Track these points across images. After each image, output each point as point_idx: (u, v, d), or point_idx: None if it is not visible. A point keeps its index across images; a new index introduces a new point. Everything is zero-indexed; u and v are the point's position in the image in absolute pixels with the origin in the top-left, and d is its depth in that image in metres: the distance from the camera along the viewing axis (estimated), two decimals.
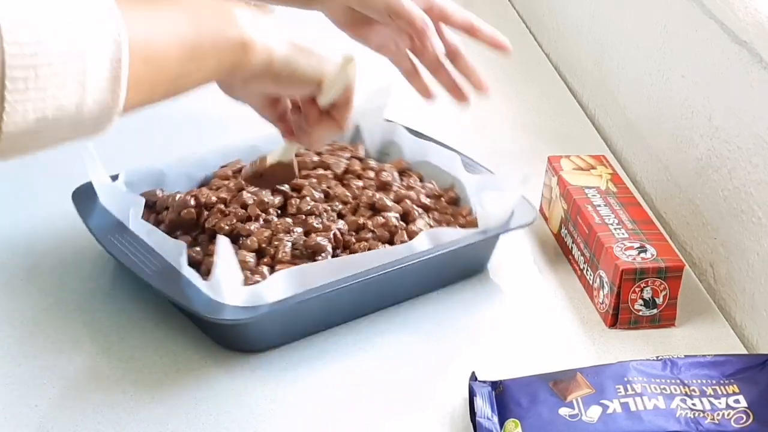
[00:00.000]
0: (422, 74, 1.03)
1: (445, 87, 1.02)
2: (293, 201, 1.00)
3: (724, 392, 0.85)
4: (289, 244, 0.95)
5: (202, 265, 0.94)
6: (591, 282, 1.03)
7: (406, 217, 1.01)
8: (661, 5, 1.20)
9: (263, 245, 0.96)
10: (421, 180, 1.08)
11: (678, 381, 0.85)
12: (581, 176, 1.11)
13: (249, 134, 1.09)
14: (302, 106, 0.86)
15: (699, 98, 1.11)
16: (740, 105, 1.03)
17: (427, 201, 1.03)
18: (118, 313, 0.97)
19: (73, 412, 0.86)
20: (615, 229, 1.02)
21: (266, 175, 0.96)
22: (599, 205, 1.06)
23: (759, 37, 0.97)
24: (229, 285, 0.87)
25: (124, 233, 0.96)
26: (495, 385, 0.86)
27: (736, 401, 0.84)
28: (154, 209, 1.01)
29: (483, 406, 0.84)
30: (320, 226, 0.97)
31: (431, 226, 0.99)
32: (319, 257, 0.94)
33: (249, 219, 0.98)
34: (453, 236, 0.98)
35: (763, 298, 0.99)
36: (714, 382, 0.86)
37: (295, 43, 0.79)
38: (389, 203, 1.01)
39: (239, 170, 1.04)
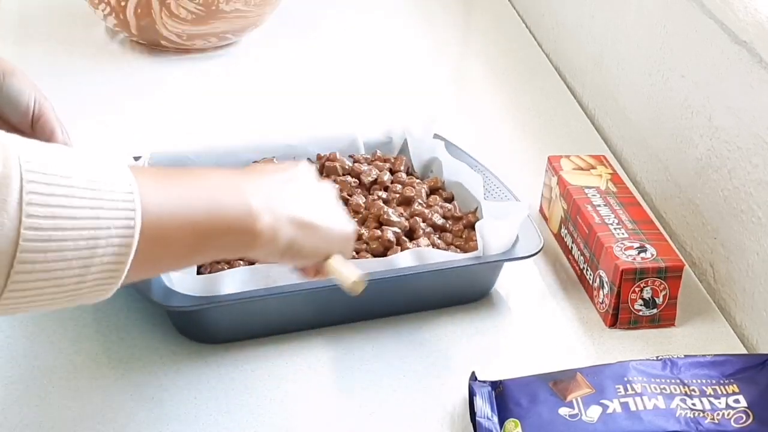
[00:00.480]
0: None
1: None
2: None
3: (724, 392, 0.85)
4: None
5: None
6: (591, 282, 1.03)
7: (411, 234, 1.00)
8: (661, 5, 1.20)
9: None
10: (451, 200, 1.06)
11: (678, 381, 0.85)
12: (581, 176, 1.11)
13: (287, 133, 1.12)
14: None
15: (699, 98, 1.11)
16: (740, 105, 1.03)
17: (440, 221, 1.01)
18: (118, 313, 0.97)
19: (73, 412, 0.86)
20: (615, 228, 1.02)
21: None
22: (599, 205, 1.06)
23: (759, 37, 0.97)
24: (181, 274, 0.88)
25: None
26: (495, 385, 0.86)
27: (736, 401, 0.84)
28: None
29: (483, 406, 0.84)
30: None
31: (436, 246, 0.98)
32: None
33: None
34: (440, 258, 0.95)
35: (763, 298, 0.99)
36: (714, 382, 0.86)
37: (300, 219, 0.75)
38: (395, 218, 0.99)
39: None
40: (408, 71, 1.50)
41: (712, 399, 0.84)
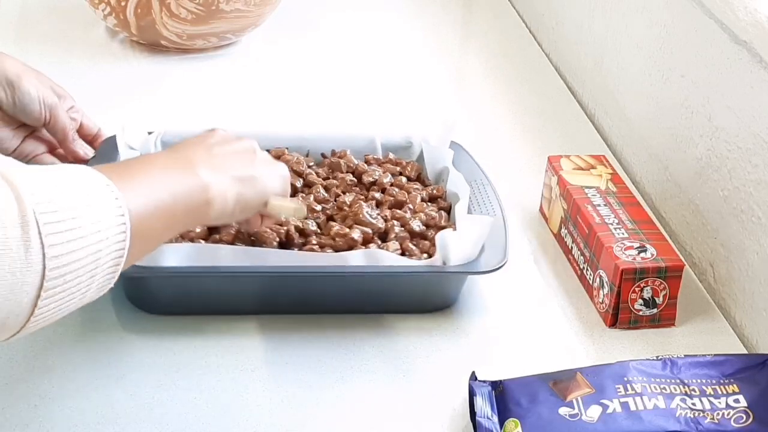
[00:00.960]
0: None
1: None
2: (298, 196, 1.02)
3: (724, 392, 0.85)
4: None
5: None
6: (591, 282, 1.03)
7: (384, 236, 0.99)
8: (661, 5, 1.20)
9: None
10: (449, 210, 1.04)
11: (678, 381, 0.85)
12: (581, 176, 1.11)
13: (302, 126, 1.13)
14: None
15: (699, 98, 1.11)
16: (740, 105, 1.03)
17: (419, 228, 0.99)
18: (118, 313, 0.97)
19: (73, 412, 0.86)
20: (615, 228, 1.02)
21: None
22: (599, 205, 1.06)
23: (759, 37, 0.97)
24: None
25: None
26: (495, 385, 0.86)
27: (736, 401, 0.84)
28: None
29: (483, 406, 0.84)
30: (298, 223, 0.98)
31: (408, 252, 0.96)
32: (261, 247, 0.95)
33: None
34: (390, 261, 0.93)
35: (763, 298, 0.99)
36: (714, 381, 0.86)
37: (243, 175, 0.85)
38: (370, 219, 0.98)
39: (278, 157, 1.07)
40: (408, 71, 1.50)
41: (712, 399, 0.84)
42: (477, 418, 0.83)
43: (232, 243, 0.95)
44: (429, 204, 1.04)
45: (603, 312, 1.00)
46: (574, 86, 1.47)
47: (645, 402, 0.83)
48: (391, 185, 1.05)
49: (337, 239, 0.96)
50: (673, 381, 0.85)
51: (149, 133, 1.08)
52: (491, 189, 1.05)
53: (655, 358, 0.89)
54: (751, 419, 0.82)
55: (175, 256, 0.91)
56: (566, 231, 1.09)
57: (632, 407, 0.82)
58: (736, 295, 1.04)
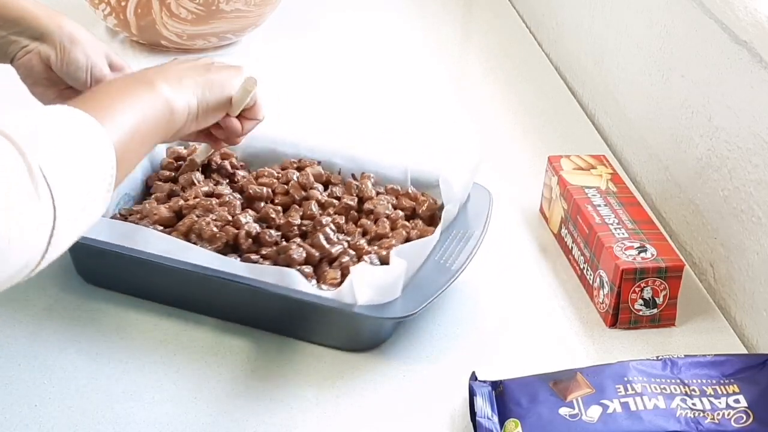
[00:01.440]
0: None
1: None
2: (292, 209, 1.02)
3: (724, 392, 0.85)
4: (210, 221, 0.97)
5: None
6: (591, 282, 1.03)
7: (332, 260, 0.97)
8: (661, 5, 1.20)
9: (185, 211, 1.00)
10: None
11: (678, 381, 0.85)
12: (581, 176, 1.11)
13: (339, 143, 1.12)
14: (222, 123, 0.96)
15: (699, 98, 1.11)
16: (740, 105, 1.03)
17: (377, 262, 0.96)
18: (118, 313, 0.97)
19: (73, 412, 0.86)
20: (615, 228, 1.02)
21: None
22: (599, 205, 1.06)
23: (759, 37, 0.97)
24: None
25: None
26: (495, 385, 0.86)
27: (736, 401, 0.84)
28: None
29: (483, 406, 0.84)
30: (253, 229, 0.97)
31: (337, 280, 0.93)
32: (208, 246, 0.96)
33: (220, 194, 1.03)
34: (300, 285, 0.91)
35: (763, 298, 0.99)
36: (714, 381, 0.86)
37: (202, 81, 0.91)
38: (323, 243, 0.96)
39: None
40: (408, 71, 1.50)
41: (712, 399, 0.84)
42: (477, 418, 0.83)
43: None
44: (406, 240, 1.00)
45: (603, 312, 1.00)
46: (574, 86, 1.47)
47: (645, 402, 0.83)
48: (387, 218, 1.01)
49: (280, 252, 0.96)
50: (673, 381, 0.85)
51: None
52: (476, 240, 0.99)
53: (655, 358, 0.89)
54: (751, 419, 0.82)
55: (110, 231, 0.94)
56: (566, 231, 1.09)
57: (632, 407, 0.82)
58: (736, 295, 1.04)
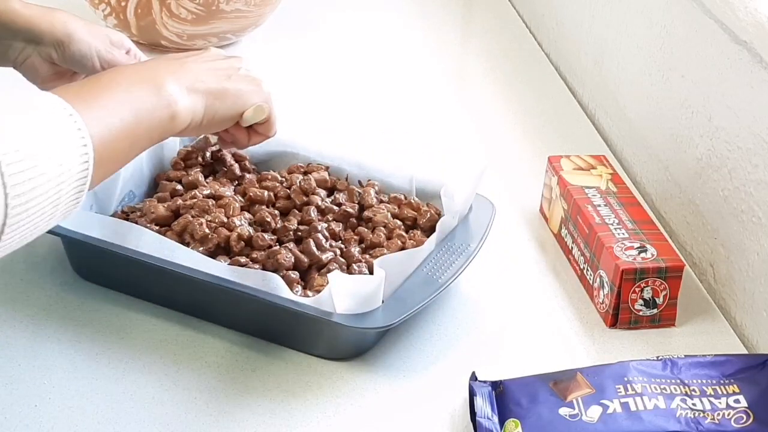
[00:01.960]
0: None
1: None
2: (293, 212, 1.02)
3: (724, 392, 0.85)
4: (204, 222, 0.97)
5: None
6: (591, 282, 1.03)
7: (321, 267, 0.96)
8: (661, 5, 1.20)
9: (182, 211, 1.00)
10: None
11: (678, 381, 0.85)
12: (581, 176, 1.11)
13: (348, 150, 1.11)
14: (230, 131, 0.94)
15: (699, 98, 1.11)
16: (740, 105, 1.03)
17: (362, 271, 0.96)
18: (118, 313, 0.97)
19: (73, 412, 0.86)
20: (615, 229, 1.02)
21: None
22: (599, 205, 1.06)
23: (759, 37, 0.97)
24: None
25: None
26: (495, 385, 0.86)
27: (736, 401, 0.84)
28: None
29: (483, 406, 0.84)
30: (245, 232, 0.97)
31: (320, 286, 0.93)
32: (200, 247, 0.96)
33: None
34: (282, 291, 0.90)
35: (763, 298, 0.99)
36: (714, 382, 0.86)
37: (212, 89, 0.87)
38: (313, 249, 0.96)
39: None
40: (408, 71, 1.50)
41: (712, 399, 0.84)
42: (477, 418, 0.83)
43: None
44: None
45: (603, 312, 1.00)
46: (574, 86, 1.47)
47: (645, 402, 0.83)
48: (384, 227, 1.01)
49: (269, 258, 0.95)
50: (673, 381, 0.85)
51: None
52: (469, 255, 0.98)
53: (655, 358, 0.89)
54: (751, 419, 0.82)
55: (104, 228, 0.95)
56: (566, 231, 1.09)
57: (632, 407, 0.82)
58: (736, 295, 1.04)
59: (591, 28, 1.42)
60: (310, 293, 0.92)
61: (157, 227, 0.99)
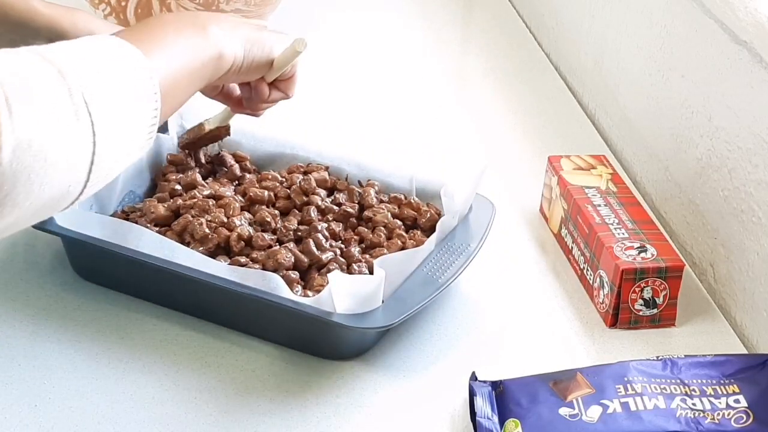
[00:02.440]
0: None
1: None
2: (293, 210, 1.02)
3: (724, 392, 0.85)
4: (204, 222, 0.97)
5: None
6: (591, 282, 1.03)
7: (321, 267, 0.96)
8: (661, 5, 1.20)
9: (182, 211, 1.00)
10: None
11: (678, 381, 0.85)
12: (581, 176, 1.11)
13: (348, 150, 1.11)
14: (252, 84, 0.97)
15: (699, 98, 1.11)
16: (740, 105, 1.03)
17: (362, 271, 0.96)
18: (118, 313, 0.97)
19: (73, 412, 0.86)
20: (615, 228, 1.02)
21: (204, 139, 1.08)
22: (599, 205, 1.06)
23: (759, 37, 0.97)
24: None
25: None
26: (495, 385, 0.86)
27: (736, 401, 0.84)
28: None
29: (483, 406, 0.84)
30: (245, 232, 0.97)
31: (319, 286, 0.93)
32: (200, 247, 0.96)
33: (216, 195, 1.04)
34: (282, 291, 0.90)
35: (763, 298, 0.99)
36: (714, 382, 0.86)
37: (251, 37, 0.91)
38: (313, 249, 0.96)
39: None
40: (408, 71, 1.50)
41: (712, 399, 0.84)
42: (477, 418, 0.83)
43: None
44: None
45: (603, 312, 1.00)
46: (574, 86, 1.47)
47: (645, 402, 0.83)
48: (384, 227, 1.01)
49: (269, 258, 0.95)
50: (673, 381, 0.85)
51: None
52: (468, 255, 0.97)
53: (655, 358, 0.89)
54: (751, 419, 0.82)
55: (104, 228, 0.95)
56: (566, 231, 1.09)
57: (632, 407, 0.82)
58: (736, 295, 1.04)
59: (591, 28, 1.42)
60: (310, 293, 0.92)
61: (158, 227, 0.99)
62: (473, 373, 0.88)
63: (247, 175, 1.07)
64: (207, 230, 0.97)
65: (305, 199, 1.03)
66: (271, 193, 1.04)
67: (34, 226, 0.94)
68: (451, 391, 0.89)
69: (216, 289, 0.91)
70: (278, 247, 0.97)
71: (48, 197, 0.66)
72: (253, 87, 0.97)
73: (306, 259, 0.96)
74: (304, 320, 0.90)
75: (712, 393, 0.85)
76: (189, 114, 1.12)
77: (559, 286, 1.05)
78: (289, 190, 1.04)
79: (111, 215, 1.01)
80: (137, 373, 0.90)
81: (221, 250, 0.97)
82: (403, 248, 0.98)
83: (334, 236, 0.99)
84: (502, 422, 0.83)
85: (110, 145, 0.69)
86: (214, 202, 1.01)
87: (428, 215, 1.02)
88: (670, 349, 0.96)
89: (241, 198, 1.03)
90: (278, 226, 0.99)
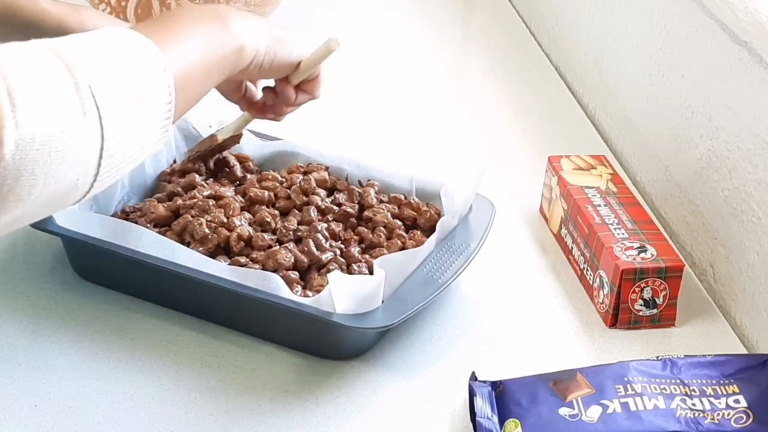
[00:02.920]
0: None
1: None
2: (293, 211, 1.02)
3: (724, 392, 0.85)
4: (204, 222, 0.97)
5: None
6: (591, 282, 1.03)
7: (321, 267, 0.96)
8: (661, 5, 1.20)
9: (182, 211, 1.00)
10: None
11: (678, 381, 0.85)
12: (581, 176, 1.11)
13: (349, 151, 1.11)
14: (278, 87, 0.96)
15: (699, 98, 1.11)
16: (740, 105, 1.03)
17: (362, 271, 0.96)
18: (118, 313, 0.97)
19: (73, 412, 0.86)
20: (615, 229, 1.02)
21: (215, 151, 1.07)
22: (599, 205, 1.06)
23: (759, 37, 0.97)
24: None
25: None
26: (495, 385, 0.86)
27: (736, 401, 0.84)
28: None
29: (483, 406, 0.84)
30: (245, 232, 0.97)
31: (319, 286, 0.93)
32: (200, 247, 0.96)
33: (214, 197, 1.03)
34: (282, 291, 0.90)
35: (763, 298, 0.99)
36: (714, 382, 0.86)
37: (275, 34, 0.89)
38: (313, 249, 0.96)
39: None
40: (408, 71, 1.50)
41: (712, 399, 0.84)
42: (477, 418, 0.83)
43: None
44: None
45: (603, 312, 1.00)
46: (574, 86, 1.47)
47: (645, 402, 0.83)
48: (384, 227, 1.00)
49: (269, 258, 0.95)
50: (673, 381, 0.85)
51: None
52: (468, 255, 0.97)
53: (655, 358, 0.89)
54: (751, 419, 0.82)
55: (104, 228, 0.95)
56: (566, 231, 1.09)
57: (632, 407, 0.82)
58: (736, 295, 1.04)
59: (591, 28, 1.42)
60: (310, 293, 0.92)
61: (158, 227, 0.99)
62: (473, 373, 0.88)
63: (248, 176, 1.07)
64: (207, 230, 0.97)
65: (305, 199, 1.03)
66: (271, 194, 1.04)
67: (34, 226, 0.94)
68: (451, 391, 0.89)
69: (216, 289, 0.91)
70: (278, 247, 0.97)
71: (55, 191, 0.66)
72: (279, 91, 0.96)
73: (306, 260, 0.96)
74: (304, 320, 0.90)
75: (712, 393, 0.85)
76: (197, 120, 1.11)
77: (559, 286, 1.05)
78: (289, 191, 1.04)
79: (111, 215, 1.01)
80: (137, 373, 0.90)
81: (221, 250, 0.97)
82: (403, 248, 0.98)
83: (334, 236, 0.99)
84: (501, 422, 0.83)
85: (120, 139, 0.69)
86: (214, 202, 1.01)
87: (428, 215, 1.02)
88: (670, 349, 0.96)
89: (241, 198, 1.03)
90: (278, 226, 0.99)
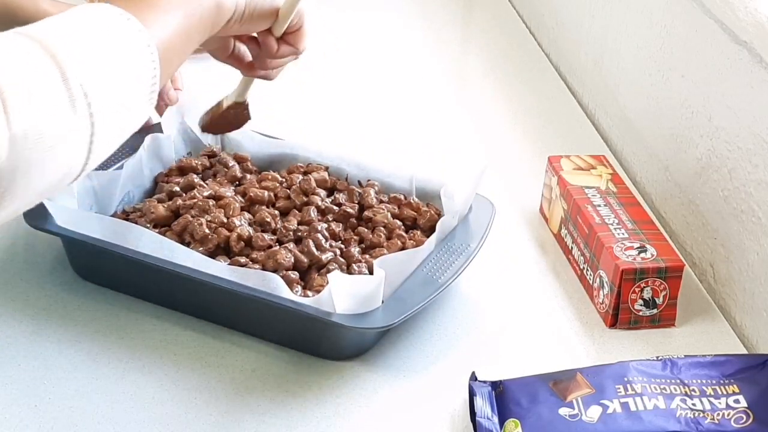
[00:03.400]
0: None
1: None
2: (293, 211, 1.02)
3: (724, 392, 0.85)
4: (204, 222, 0.98)
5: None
6: (591, 282, 1.03)
7: (321, 267, 0.96)
8: (661, 5, 1.20)
9: (182, 211, 1.00)
10: None
11: (678, 381, 0.85)
12: (581, 176, 1.11)
13: (348, 151, 1.10)
14: (260, 39, 0.93)
15: (699, 98, 1.11)
16: (740, 105, 1.03)
17: (365, 271, 0.96)
18: (118, 313, 0.97)
19: (73, 412, 0.86)
20: (615, 229, 1.02)
21: (223, 119, 1.03)
22: (599, 205, 1.06)
23: (759, 37, 0.97)
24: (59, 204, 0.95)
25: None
26: (495, 385, 0.86)
27: (736, 401, 0.84)
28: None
29: (483, 406, 0.84)
30: (245, 232, 0.97)
31: (319, 286, 0.93)
32: (200, 247, 0.96)
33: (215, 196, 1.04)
34: (281, 291, 0.90)
35: (763, 298, 0.99)
36: (714, 382, 0.86)
37: None
38: (313, 249, 0.96)
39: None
40: (408, 71, 1.50)
41: (712, 399, 0.84)
42: (477, 418, 0.83)
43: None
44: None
45: (603, 312, 1.00)
46: (574, 86, 1.47)
47: (645, 402, 0.83)
48: (384, 227, 1.00)
49: (269, 258, 0.95)
50: (673, 381, 0.85)
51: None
52: (468, 256, 0.98)
53: (655, 358, 0.89)
54: (751, 419, 0.82)
55: (104, 229, 0.95)
56: (566, 231, 1.09)
57: (632, 407, 0.82)
58: (736, 296, 1.04)
59: (591, 28, 1.42)
60: (310, 293, 0.92)
61: (158, 227, 0.99)
62: (473, 373, 0.88)
63: (248, 176, 1.07)
64: (207, 230, 0.97)
65: (305, 199, 1.03)
66: (271, 194, 1.04)
67: (34, 226, 0.94)
68: (451, 391, 0.89)
69: (216, 289, 0.91)
70: (278, 247, 0.97)
71: (48, 183, 0.66)
72: (261, 41, 0.94)
73: (306, 260, 0.96)
74: (304, 320, 0.90)
75: (712, 393, 0.85)
76: (190, 112, 1.12)
77: (559, 286, 1.05)
78: (289, 191, 1.04)
79: (111, 215, 1.01)
80: (137, 373, 0.90)
81: (221, 250, 0.97)
82: (403, 248, 0.98)
83: (334, 236, 0.99)
84: (501, 422, 0.83)
85: (110, 122, 0.68)
86: (214, 202, 1.01)
87: (428, 215, 1.02)
88: (670, 349, 0.96)
89: (241, 198, 1.03)
90: (278, 226, 0.99)
